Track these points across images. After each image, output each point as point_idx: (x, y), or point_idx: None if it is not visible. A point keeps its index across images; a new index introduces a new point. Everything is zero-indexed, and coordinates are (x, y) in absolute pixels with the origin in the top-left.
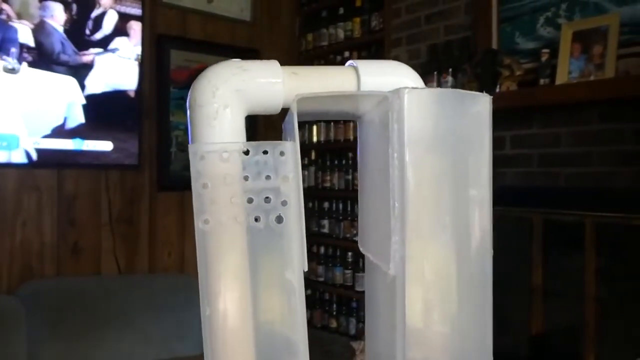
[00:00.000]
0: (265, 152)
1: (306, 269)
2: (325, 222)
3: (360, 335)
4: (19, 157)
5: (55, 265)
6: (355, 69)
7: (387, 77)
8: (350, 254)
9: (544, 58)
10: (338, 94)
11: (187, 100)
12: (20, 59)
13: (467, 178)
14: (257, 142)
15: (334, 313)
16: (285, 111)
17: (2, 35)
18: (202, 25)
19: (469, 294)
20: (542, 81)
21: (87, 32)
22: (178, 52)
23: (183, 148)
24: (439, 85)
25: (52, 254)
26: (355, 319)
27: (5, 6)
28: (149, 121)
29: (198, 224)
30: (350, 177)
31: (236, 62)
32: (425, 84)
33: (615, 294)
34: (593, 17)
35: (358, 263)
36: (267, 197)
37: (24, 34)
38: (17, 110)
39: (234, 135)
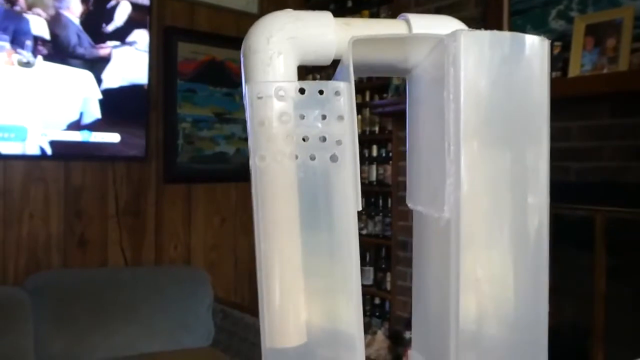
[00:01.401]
0: (320, 92)
1: (360, 209)
2: None
3: (366, 329)
4: (31, 149)
5: (62, 257)
6: (407, 21)
7: (438, 29)
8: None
9: (556, 51)
10: (393, 37)
11: (242, 48)
12: (35, 52)
13: (526, 121)
14: (312, 81)
15: None
16: (335, 65)
17: (17, 27)
18: (209, 17)
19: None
20: (554, 74)
21: (104, 24)
22: (185, 44)
23: (190, 140)
24: None
25: (58, 246)
26: None
27: None
28: (156, 113)
29: (255, 160)
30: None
31: (290, 11)
32: None
33: (625, 290)
34: (606, 10)
35: (365, 257)
36: (322, 136)
37: (39, 26)
38: (30, 103)
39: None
